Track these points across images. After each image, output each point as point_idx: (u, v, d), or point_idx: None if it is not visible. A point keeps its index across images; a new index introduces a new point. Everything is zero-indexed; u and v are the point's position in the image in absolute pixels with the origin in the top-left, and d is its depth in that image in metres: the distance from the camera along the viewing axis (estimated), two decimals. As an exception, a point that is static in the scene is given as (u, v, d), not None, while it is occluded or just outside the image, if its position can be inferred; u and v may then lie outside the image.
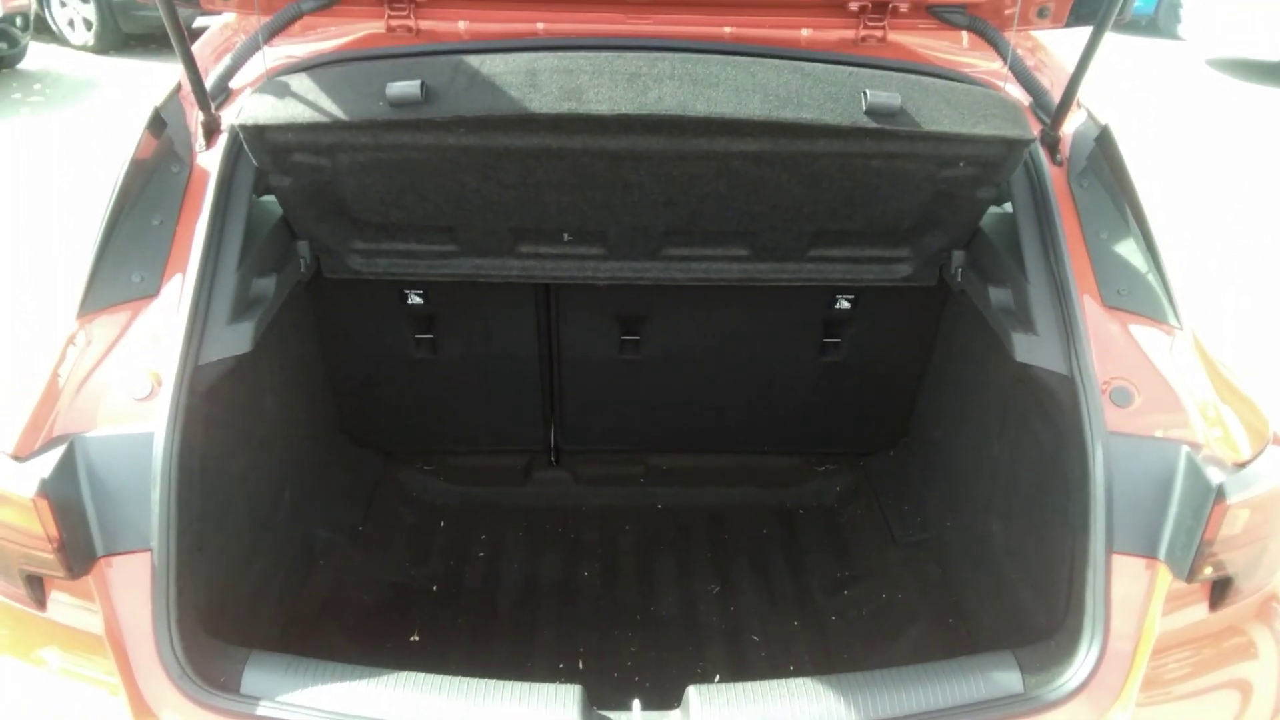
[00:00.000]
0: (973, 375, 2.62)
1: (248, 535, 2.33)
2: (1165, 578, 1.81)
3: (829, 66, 2.01)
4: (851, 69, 2.01)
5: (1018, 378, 2.18)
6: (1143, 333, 1.99)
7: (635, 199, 2.21)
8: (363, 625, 2.65)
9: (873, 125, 1.94)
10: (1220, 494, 1.71)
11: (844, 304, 2.83)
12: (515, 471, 3.30)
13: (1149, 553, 1.83)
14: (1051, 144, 2.23)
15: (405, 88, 1.90)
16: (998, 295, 2.22)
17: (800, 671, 2.56)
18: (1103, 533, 1.82)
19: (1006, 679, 1.81)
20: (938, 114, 1.97)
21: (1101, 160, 2.18)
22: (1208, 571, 1.80)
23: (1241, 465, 1.82)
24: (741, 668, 2.60)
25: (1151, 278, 2.05)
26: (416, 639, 2.65)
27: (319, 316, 2.82)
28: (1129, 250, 2.09)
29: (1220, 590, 1.86)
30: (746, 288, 2.60)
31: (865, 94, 1.94)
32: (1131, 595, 1.82)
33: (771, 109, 1.91)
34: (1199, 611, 1.87)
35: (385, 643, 2.61)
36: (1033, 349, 2.03)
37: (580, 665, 2.60)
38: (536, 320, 2.89)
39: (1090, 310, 2.00)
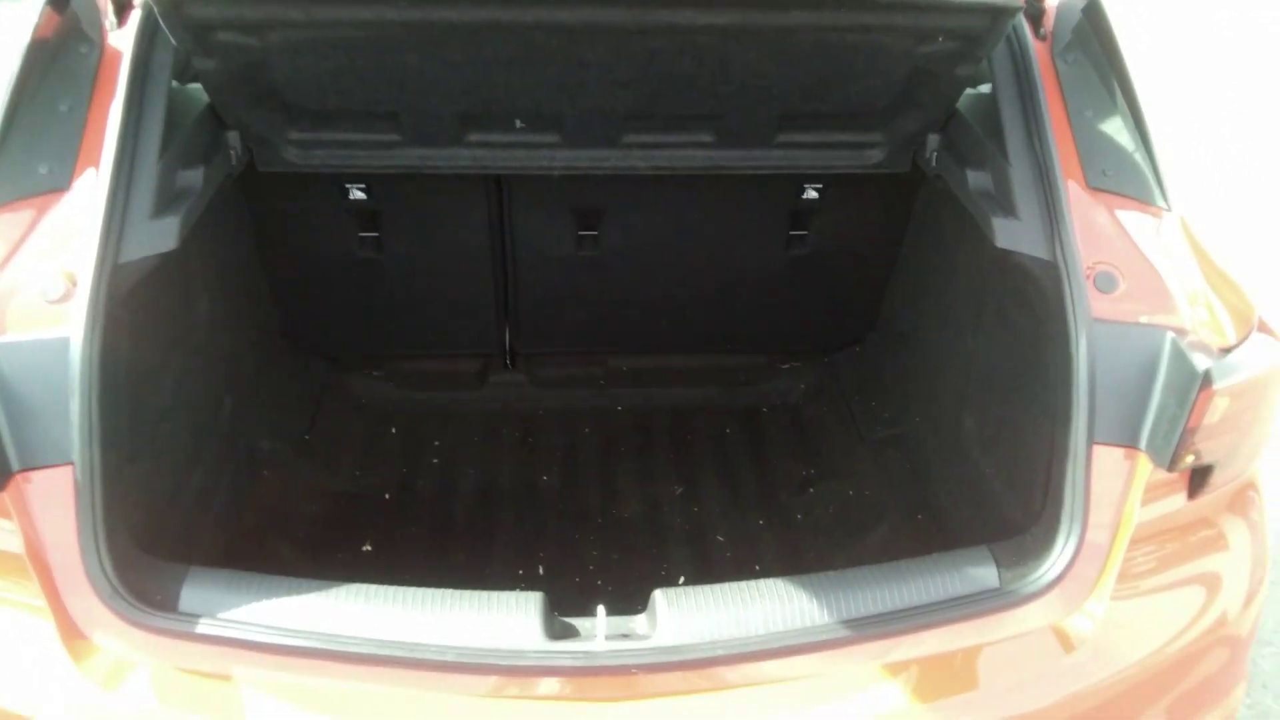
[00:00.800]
0: (946, 265, 2.54)
1: (185, 447, 2.21)
2: (1145, 468, 1.76)
3: None
4: None
5: (997, 265, 2.10)
6: (1128, 216, 1.90)
7: (592, 79, 2.06)
8: (311, 537, 2.55)
9: None
10: (1207, 379, 1.65)
11: (811, 194, 2.71)
12: (469, 375, 3.19)
13: (1129, 442, 1.77)
14: (1035, 16, 2.11)
15: None
16: (976, 179, 2.12)
17: (767, 571, 2.52)
18: (1084, 424, 1.76)
19: (982, 574, 1.76)
20: None
21: (1089, 33, 2.06)
22: (1189, 460, 1.75)
23: (1227, 350, 1.76)
24: (707, 569, 2.56)
25: (1139, 157, 1.96)
26: (369, 549, 2.57)
27: (254, 214, 2.65)
28: (1115, 129, 1.99)
29: (1199, 479, 1.82)
30: (710, 178, 2.47)
31: None
32: (1110, 487, 1.77)
33: None
34: (1177, 501, 1.83)
35: (336, 554, 2.52)
36: (1014, 234, 1.94)
37: (541, 571, 2.54)
38: (488, 215, 2.73)
39: (1074, 193, 1.90)
